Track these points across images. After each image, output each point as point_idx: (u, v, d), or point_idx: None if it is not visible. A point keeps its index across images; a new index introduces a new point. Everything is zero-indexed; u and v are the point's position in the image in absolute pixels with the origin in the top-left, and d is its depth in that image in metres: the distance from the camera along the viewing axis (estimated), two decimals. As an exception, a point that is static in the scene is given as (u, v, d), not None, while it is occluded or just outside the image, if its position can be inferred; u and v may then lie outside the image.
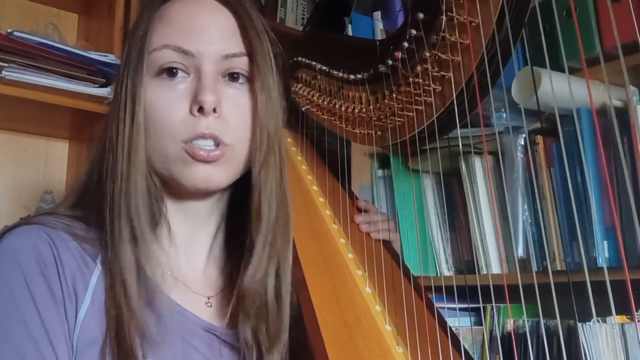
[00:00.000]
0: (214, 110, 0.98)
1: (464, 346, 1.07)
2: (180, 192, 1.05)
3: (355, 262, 1.23)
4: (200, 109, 0.98)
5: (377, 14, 2.32)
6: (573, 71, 1.22)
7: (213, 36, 1.02)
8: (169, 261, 1.04)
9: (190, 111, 0.99)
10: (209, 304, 1.08)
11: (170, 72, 1.00)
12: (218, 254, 1.14)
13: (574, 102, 1.35)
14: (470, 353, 1.34)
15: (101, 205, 0.99)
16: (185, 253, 1.09)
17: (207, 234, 1.12)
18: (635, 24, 0.96)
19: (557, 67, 1.30)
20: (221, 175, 1.02)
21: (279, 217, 1.05)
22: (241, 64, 1.03)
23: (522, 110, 1.71)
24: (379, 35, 2.30)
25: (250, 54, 1.03)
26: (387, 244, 1.26)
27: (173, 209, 1.07)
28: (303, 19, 2.80)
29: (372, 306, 1.14)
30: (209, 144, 0.99)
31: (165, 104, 0.99)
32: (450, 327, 1.09)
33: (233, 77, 1.03)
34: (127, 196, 0.96)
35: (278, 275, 1.06)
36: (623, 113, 1.62)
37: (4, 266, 0.93)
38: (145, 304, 0.95)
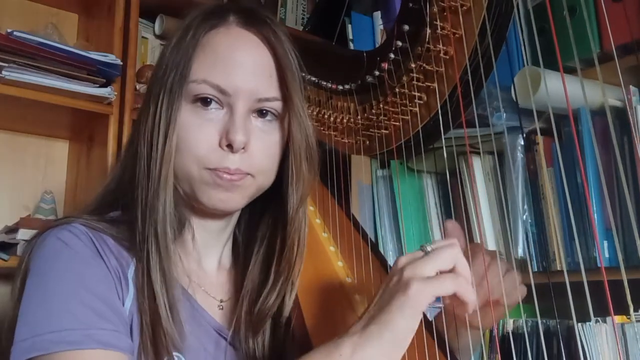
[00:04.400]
0: (242, 147, 1.04)
1: (449, 348, 1.07)
2: (199, 208, 1.10)
3: (345, 270, 1.24)
4: (229, 146, 1.03)
5: (377, 14, 2.32)
6: (573, 71, 1.22)
7: (250, 78, 1.06)
8: (190, 266, 1.12)
9: (220, 144, 1.04)
10: (221, 307, 1.15)
11: (205, 101, 1.05)
12: (226, 260, 1.21)
13: (575, 102, 1.35)
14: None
15: (131, 210, 1.05)
16: (200, 259, 1.16)
17: (220, 243, 1.19)
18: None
19: (557, 67, 1.30)
20: (237, 199, 1.09)
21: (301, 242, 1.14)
22: (273, 105, 1.08)
23: (522, 110, 1.71)
24: (379, 35, 2.29)
25: (285, 98, 1.09)
26: (376, 250, 1.26)
27: (192, 221, 1.13)
28: (303, 19, 2.78)
29: (362, 313, 1.14)
30: (233, 177, 1.05)
31: (196, 130, 1.05)
32: (437, 330, 1.10)
33: (262, 113, 1.09)
34: (155, 212, 1.02)
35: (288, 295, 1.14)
36: (623, 113, 1.62)
37: (58, 252, 0.98)
38: (172, 307, 1.00)
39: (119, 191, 1.11)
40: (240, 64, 1.06)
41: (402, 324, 0.84)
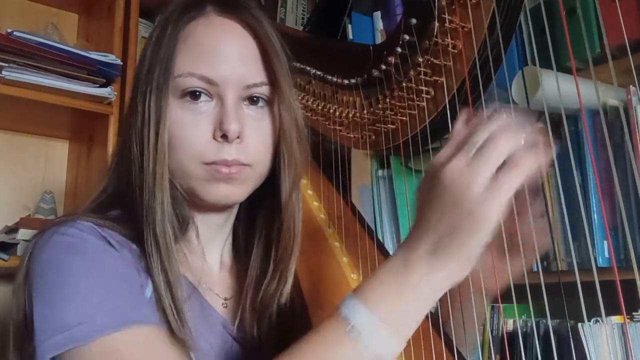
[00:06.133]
0: (237, 136, 1.03)
1: (457, 348, 1.07)
2: (200, 204, 1.09)
3: (350, 266, 1.23)
4: (224, 136, 1.02)
5: (377, 14, 2.32)
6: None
7: (236, 65, 1.05)
8: (197, 263, 1.11)
9: (214, 136, 1.03)
10: (225, 305, 1.14)
11: (194, 95, 1.04)
12: (227, 257, 1.21)
13: (575, 102, 1.35)
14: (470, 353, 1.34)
15: (131, 211, 1.04)
16: (204, 256, 1.14)
17: (221, 238, 1.19)
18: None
19: (557, 67, 1.30)
20: (239, 192, 1.07)
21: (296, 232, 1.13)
22: (262, 91, 1.07)
23: (522, 110, 1.71)
24: (379, 35, 2.29)
25: (273, 82, 1.07)
26: (381, 247, 1.25)
27: (195, 218, 1.11)
28: (303, 19, 2.79)
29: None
30: (231, 169, 1.03)
31: (188, 126, 1.03)
32: (443, 331, 1.09)
33: (253, 100, 1.07)
34: (152, 212, 1.01)
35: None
36: (623, 113, 1.62)
37: (68, 246, 0.95)
38: (178, 310, 0.98)
39: (116, 195, 1.10)
40: (225, 53, 1.05)
41: (476, 247, 0.78)
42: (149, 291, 0.98)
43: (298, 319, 1.11)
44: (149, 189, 1.01)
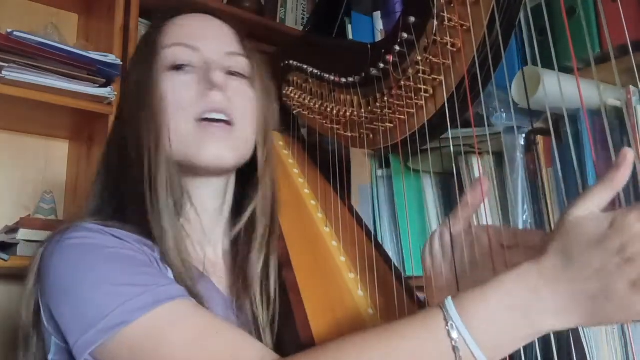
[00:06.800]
0: (221, 86, 1.10)
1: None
2: (195, 175, 1.13)
3: (347, 265, 1.23)
4: (210, 88, 1.09)
5: (377, 14, 2.32)
6: (574, 71, 1.22)
7: (216, 36, 1.17)
8: (198, 249, 1.14)
9: (201, 91, 1.10)
10: (229, 290, 1.16)
11: (180, 67, 1.11)
12: (227, 243, 1.22)
13: (575, 102, 1.35)
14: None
15: (132, 208, 1.07)
16: (206, 243, 1.18)
17: (220, 230, 1.22)
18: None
19: (558, 67, 1.30)
20: (230, 154, 1.11)
21: (274, 201, 1.18)
22: (241, 62, 1.16)
23: (522, 110, 1.71)
24: (379, 35, 2.29)
25: (249, 57, 1.17)
26: (379, 246, 1.25)
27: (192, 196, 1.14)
28: (303, 19, 2.80)
29: (364, 309, 1.14)
30: (220, 117, 1.10)
31: (177, 88, 1.10)
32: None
33: (233, 74, 1.15)
34: (155, 187, 1.05)
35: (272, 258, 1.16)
36: (623, 113, 1.62)
37: (80, 247, 0.97)
38: (193, 291, 1.01)
39: (113, 195, 1.14)
40: (205, 31, 1.16)
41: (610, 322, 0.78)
42: (170, 274, 1.01)
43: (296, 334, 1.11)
44: (147, 163, 1.05)
